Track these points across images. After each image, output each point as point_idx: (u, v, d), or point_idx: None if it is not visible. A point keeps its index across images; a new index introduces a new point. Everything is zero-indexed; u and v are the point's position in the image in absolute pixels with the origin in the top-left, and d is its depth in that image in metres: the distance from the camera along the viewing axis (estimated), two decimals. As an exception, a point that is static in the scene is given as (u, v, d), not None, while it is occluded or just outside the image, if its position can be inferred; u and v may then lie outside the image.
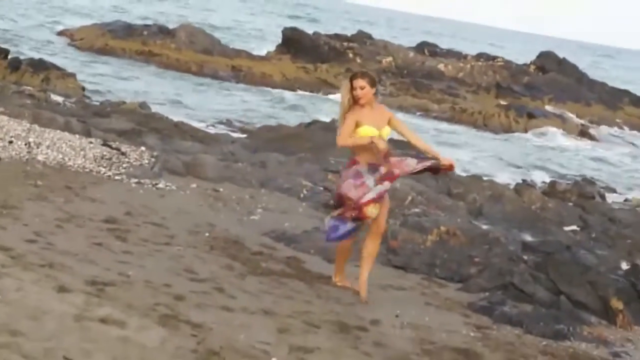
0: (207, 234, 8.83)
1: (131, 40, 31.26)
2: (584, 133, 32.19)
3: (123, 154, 11.90)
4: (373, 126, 7.15)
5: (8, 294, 5.54)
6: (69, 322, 5.27)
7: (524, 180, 19.01)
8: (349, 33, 41.81)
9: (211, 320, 5.92)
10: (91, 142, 12.19)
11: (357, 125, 7.20)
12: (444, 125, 30.38)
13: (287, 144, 16.22)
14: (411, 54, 38.93)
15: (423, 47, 41.12)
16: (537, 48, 54.47)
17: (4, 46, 22.07)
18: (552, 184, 18.61)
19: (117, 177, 10.68)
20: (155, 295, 6.31)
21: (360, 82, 7.17)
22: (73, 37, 32.20)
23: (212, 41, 33.10)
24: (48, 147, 11.22)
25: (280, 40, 36.99)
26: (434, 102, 32.58)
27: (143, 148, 12.63)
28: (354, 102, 7.21)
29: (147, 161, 11.85)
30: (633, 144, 32.74)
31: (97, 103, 18.82)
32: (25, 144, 11.02)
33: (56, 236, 7.50)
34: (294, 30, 37.64)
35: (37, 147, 11.04)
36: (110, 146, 12.13)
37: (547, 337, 7.54)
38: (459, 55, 41.17)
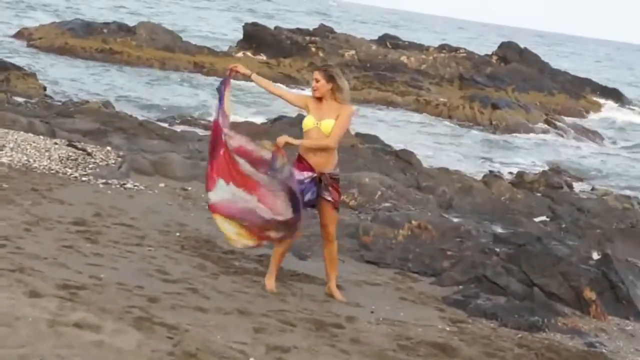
0: (177, 234, 8.80)
1: (91, 39, 30.77)
2: (549, 122, 32.30)
3: (89, 154, 11.82)
4: (315, 117, 7.20)
5: None
6: (43, 327, 5.17)
7: (491, 172, 18.94)
8: (310, 27, 41.84)
9: (186, 322, 5.84)
10: (56, 143, 12.10)
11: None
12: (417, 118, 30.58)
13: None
14: (373, 47, 38.94)
15: (385, 40, 41.22)
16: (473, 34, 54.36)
17: None
18: (520, 174, 18.72)
19: (84, 178, 10.57)
20: (128, 297, 6.26)
21: (316, 75, 7.29)
22: (32, 37, 31.53)
23: (174, 38, 32.89)
24: (12, 149, 11.12)
25: (241, 36, 37.01)
26: (397, 94, 32.65)
27: (109, 148, 12.56)
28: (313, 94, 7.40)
29: (113, 161, 11.76)
30: (597, 133, 32.92)
31: (60, 103, 18.55)
32: None
33: (25, 240, 7.37)
34: (254, 25, 37.41)
35: (1, 150, 10.97)
36: (75, 147, 12.05)
37: (522, 330, 7.63)
38: (421, 48, 41.18)
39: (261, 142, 7.48)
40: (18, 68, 21.19)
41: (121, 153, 12.31)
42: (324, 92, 7.24)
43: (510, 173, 20.01)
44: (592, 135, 31.84)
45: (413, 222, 10.23)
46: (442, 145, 25.48)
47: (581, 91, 40.73)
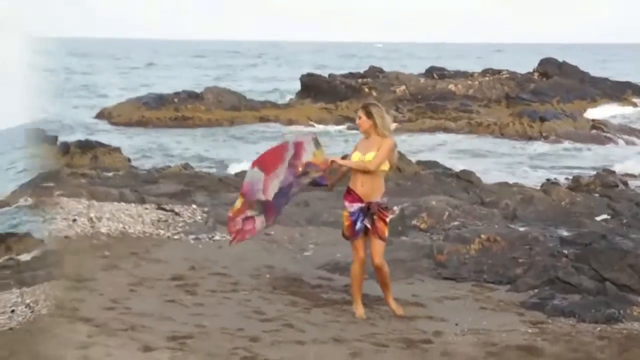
0: (267, 276, 8.90)
1: (164, 109, 31.23)
2: (596, 127, 31.43)
3: (177, 214, 11.89)
4: (361, 152, 7.24)
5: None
6: None
7: (548, 180, 18.27)
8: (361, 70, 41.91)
9: (288, 356, 5.97)
10: (146, 208, 12.18)
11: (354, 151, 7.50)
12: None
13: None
14: (422, 80, 38.85)
15: (432, 72, 41.12)
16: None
17: (51, 134, 21.54)
18: (576, 179, 18.31)
19: (175, 237, 10.68)
20: (232, 340, 6.37)
21: (359, 113, 7.41)
22: (111, 115, 32.05)
23: (239, 98, 33.36)
24: (108, 219, 11.17)
25: (299, 88, 37.43)
26: (450, 120, 32.58)
27: (194, 206, 12.61)
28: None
29: (200, 217, 11.83)
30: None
31: (145, 171, 18.50)
32: (88, 220, 10.98)
33: (131, 300, 7.50)
34: (310, 75, 37.70)
35: (99, 221, 11.00)
36: (164, 209, 12.12)
37: (600, 323, 7.53)
38: (465, 74, 41.06)
39: (315, 151, 7.48)
40: (103, 145, 21.10)
41: (205, 209, 12.35)
42: (367, 128, 7.27)
43: (567, 179, 19.56)
44: (638, 133, 31.34)
45: (482, 236, 10.19)
46: (501, 160, 25.33)
47: (623, 94, 40.25)
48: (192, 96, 32.54)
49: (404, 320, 7.34)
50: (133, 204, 12.39)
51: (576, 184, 17.58)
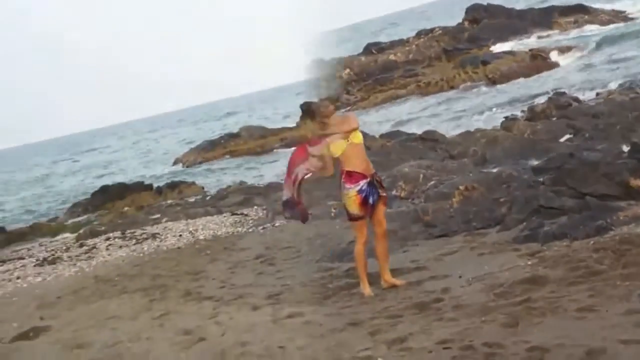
0: (318, 241, 10.50)
1: (217, 149, 37.12)
2: (535, 57, 31.18)
3: (246, 215, 15.11)
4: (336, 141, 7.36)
5: (226, 321, 7.24)
6: (270, 325, 6.81)
7: (506, 117, 18.55)
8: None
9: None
10: (224, 216, 15.53)
11: None
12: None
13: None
14: (363, 59, 39.35)
15: (370, 48, 41.51)
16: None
17: (146, 183, 26.45)
18: (530, 108, 18.26)
19: (250, 230, 13.19)
20: (310, 291, 7.90)
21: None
22: (183, 160, 38.62)
23: (265, 129, 38.10)
24: (202, 229, 14.18)
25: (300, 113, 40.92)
26: (399, 88, 32.69)
27: (256, 207, 16.04)
28: None
29: (262, 214, 14.93)
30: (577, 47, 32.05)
31: (215, 192, 21.80)
32: (189, 233, 14.04)
33: (233, 278, 9.36)
34: (307, 103, 39.40)
35: (196, 232, 13.97)
36: (236, 214, 15.43)
37: (592, 236, 7.45)
38: (402, 42, 41.02)
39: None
40: (183, 182, 25.98)
41: (264, 207, 15.42)
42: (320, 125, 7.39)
43: (523, 111, 19.32)
44: (574, 51, 31.20)
45: (460, 187, 10.13)
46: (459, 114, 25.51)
47: (551, 18, 40.14)
48: (231, 135, 39.17)
49: (411, 286, 7.30)
50: (215, 215, 15.90)
51: (532, 114, 17.52)
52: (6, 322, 9.03)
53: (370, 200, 7.17)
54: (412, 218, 10.11)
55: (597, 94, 19.10)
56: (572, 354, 4.79)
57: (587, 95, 19.68)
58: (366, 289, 7.36)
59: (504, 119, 18.25)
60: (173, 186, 24.43)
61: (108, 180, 33.96)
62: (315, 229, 11.14)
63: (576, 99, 18.31)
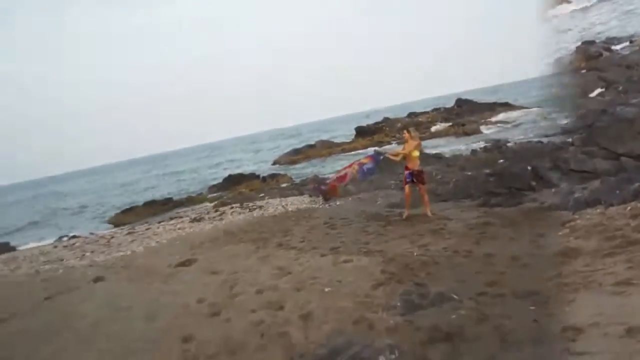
0: (363, 215, 10.74)
1: (299, 155, 40.25)
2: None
3: (318, 196, 14.71)
4: (404, 148, 9.50)
5: (304, 263, 7.69)
6: (331, 267, 7.20)
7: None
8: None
9: (383, 248, 7.77)
10: (304, 196, 16.12)
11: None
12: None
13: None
14: (406, 118, 44.30)
15: (411, 115, 46.08)
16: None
17: (255, 174, 29.09)
18: (557, 59, 13.37)
19: (320, 206, 13.35)
20: (356, 244, 8.24)
21: (404, 133, 9.57)
22: (279, 161, 41.79)
23: (330, 143, 43.13)
24: (290, 204, 14.60)
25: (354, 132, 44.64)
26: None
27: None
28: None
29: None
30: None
31: (299, 181, 23.22)
32: (282, 206, 14.50)
33: (309, 236, 9.66)
34: (360, 126, 44.90)
35: (287, 206, 14.43)
36: (312, 195, 15.81)
37: (629, 201, 5.31)
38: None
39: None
40: (279, 174, 27.78)
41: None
42: (406, 138, 9.45)
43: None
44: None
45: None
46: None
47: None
48: (310, 146, 43.45)
49: (429, 221, 8.87)
50: (298, 196, 16.68)
51: (559, 64, 13.20)
52: (173, 255, 10.09)
53: (407, 179, 9.43)
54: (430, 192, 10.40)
55: (631, 41, 14.11)
56: (609, 333, 3.52)
57: (618, 46, 14.60)
58: (406, 213, 9.48)
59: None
60: (272, 176, 26.56)
61: (232, 172, 35.16)
62: (362, 207, 11.85)
63: (608, 49, 13.62)
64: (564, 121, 9.31)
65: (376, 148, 10.51)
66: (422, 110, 48.80)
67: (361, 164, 9.64)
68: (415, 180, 9.30)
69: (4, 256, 15.19)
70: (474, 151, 16.71)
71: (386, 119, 45.48)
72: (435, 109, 44.93)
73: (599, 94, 9.99)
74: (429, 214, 9.19)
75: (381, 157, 9.67)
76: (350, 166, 9.84)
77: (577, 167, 6.03)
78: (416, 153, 9.22)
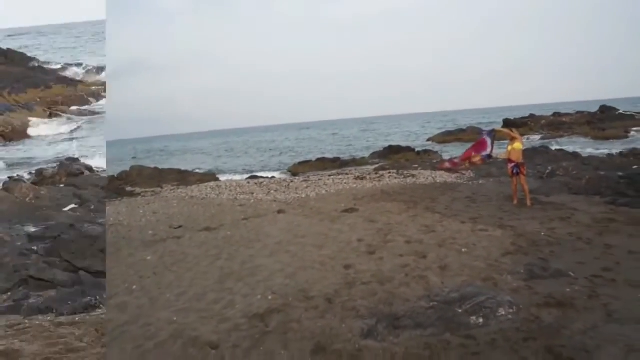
0: (501, 196, 11.46)
1: (450, 136, 39.07)
2: (53, 115, 23.40)
3: (463, 173, 15.76)
4: (511, 146, 10.14)
5: (446, 226, 8.72)
6: (469, 232, 8.33)
7: (10, 178, 13.16)
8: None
9: (516, 225, 8.52)
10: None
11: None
12: None
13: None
14: None
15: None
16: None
17: (411, 147, 29.08)
18: (40, 172, 13.24)
19: (464, 183, 14.07)
20: (493, 218, 9.03)
21: (514, 133, 10.26)
22: (433, 139, 40.53)
23: (480, 130, 38.42)
24: (439, 177, 15.33)
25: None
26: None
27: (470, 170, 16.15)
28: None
29: (472, 174, 15.77)
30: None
31: (449, 158, 21.38)
32: (432, 177, 15.35)
33: (452, 205, 10.70)
34: (508, 119, 42.94)
35: (435, 178, 15.33)
36: (458, 172, 15.56)
37: (79, 312, 5.68)
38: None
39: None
40: (431, 150, 29.00)
41: (472, 170, 15.88)
42: (511, 137, 10.21)
43: (31, 173, 13.97)
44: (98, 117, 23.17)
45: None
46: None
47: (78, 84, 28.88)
48: (460, 130, 40.76)
49: (559, 208, 9.43)
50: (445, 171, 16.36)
51: (41, 178, 12.94)
52: (339, 203, 11.62)
53: (514, 171, 10.04)
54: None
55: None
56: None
57: (101, 165, 13.75)
58: (514, 200, 10.01)
59: (7, 179, 13.00)
60: (425, 152, 27.58)
61: (392, 143, 36.18)
62: (501, 189, 12.27)
63: (89, 168, 13.72)
64: (33, 229, 8.60)
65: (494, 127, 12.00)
66: (566, 112, 46.30)
67: (479, 151, 10.41)
68: (518, 172, 9.82)
69: (212, 183, 18.08)
70: (610, 155, 16.58)
71: (532, 115, 43.59)
72: (579, 112, 43.27)
73: (72, 209, 9.86)
74: (529, 203, 9.51)
75: (494, 133, 10.39)
76: (473, 147, 10.55)
77: (37, 275, 6.16)
78: (520, 146, 9.95)
